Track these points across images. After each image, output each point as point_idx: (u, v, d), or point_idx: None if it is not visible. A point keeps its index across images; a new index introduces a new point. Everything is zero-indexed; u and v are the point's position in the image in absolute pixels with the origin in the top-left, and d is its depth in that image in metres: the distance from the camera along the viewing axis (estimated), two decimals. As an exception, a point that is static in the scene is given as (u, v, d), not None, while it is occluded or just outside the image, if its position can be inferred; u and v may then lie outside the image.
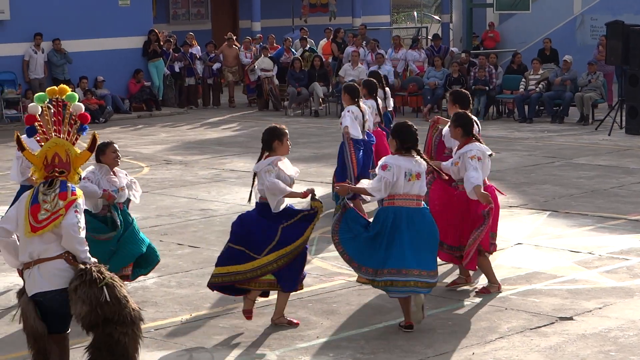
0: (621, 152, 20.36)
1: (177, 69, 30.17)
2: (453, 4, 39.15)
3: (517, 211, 15.22)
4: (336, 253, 12.57)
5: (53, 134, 7.96)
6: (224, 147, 22.35)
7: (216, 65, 30.63)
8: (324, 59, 29.62)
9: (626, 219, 14.43)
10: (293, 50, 30.59)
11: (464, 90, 12.80)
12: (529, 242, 13.27)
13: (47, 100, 8.04)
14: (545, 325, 9.87)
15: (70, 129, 7.98)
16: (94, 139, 8.10)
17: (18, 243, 7.93)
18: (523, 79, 26.26)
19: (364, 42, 30.27)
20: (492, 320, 10.09)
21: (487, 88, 26.34)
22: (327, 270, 12.06)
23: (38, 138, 7.98)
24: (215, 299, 11.00)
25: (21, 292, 7.92)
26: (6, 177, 18.79)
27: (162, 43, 30.02)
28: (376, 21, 39.95)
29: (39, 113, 8.00)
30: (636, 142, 21.47)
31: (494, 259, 12.31)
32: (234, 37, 31.79)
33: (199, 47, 30.98)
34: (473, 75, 26.83)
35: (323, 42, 31.57)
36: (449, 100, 12.28)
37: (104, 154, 10.46)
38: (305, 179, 18.18)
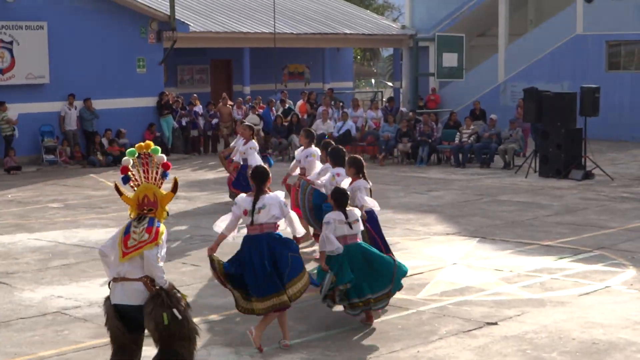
0: (535, 191, 20.42)
1: (183, 123, 30.18)
2: (403, 73, 39.35)
3: (452, 237, 15.23)
4: (310, 269, 12.60)
5: (143, 180, 8.15)
6: (220, 185, 22.29)
7: (214, 121, 30.67)
8: (300, 116, 29.69)
9: (539, 244, 14.46)
10: (274, 109, 30.66)
11: (341, 148, 12.68)
12: (462, 263, 13.28)
13: (137, 154, 8.20)
14: (475, 329, 9.87)
15: (156, 175, 8.16)
16: (175, 183, 8.27)
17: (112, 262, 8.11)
18: (458, 133, 26.39)
19: (332, 102, 30.36)
20: (433, 324, 10.08)
21: (429, 140, 26.44)
22: (302, 284, 12.02)
23: (131, 184, 8.17)
24: (211, 307, 10.94)
25: (107, 299, 8.06)
26: (44, 209, 18.74)
27: (171, 102, 30.04)
28: (342, 86, 40.11)
29: (131, 164, 8.17)
30: (547, 183, 21.56)
31: (435, 276, 12.33)
32: (228, 98, 31.85)
33: (200, 106, 31.02)
34: (418, 129, 26.93)
35: (299, 102, 31.64)
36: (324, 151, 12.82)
37: None
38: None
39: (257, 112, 29.82)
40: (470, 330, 9.81)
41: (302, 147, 14.78)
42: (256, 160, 16.49)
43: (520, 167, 23.76)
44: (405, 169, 25.34)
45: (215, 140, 30.98)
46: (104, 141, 27.38)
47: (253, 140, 17.35)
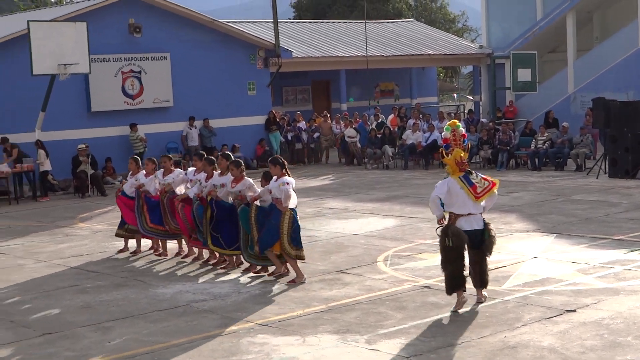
0: (606, 191, 19.99)
1: (289, 137, 30.38)
2: (482, 88, 38.98)
3: (532, 234, 15.00)
4: (405, 265, 12.57)
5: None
6: (323, 192, 22.39)
7: (316, 135, 30.78)
8: (391, 128, 29.60)
9: (612, 239, 14.14)
10: (369, 122, 30.65)
11: (278, 157, 12.51)
12: (542, 256, 13.06)
13: (450, 129, 10.32)
14: (556, 316, 9.69)
15: (460, 142, 10.34)
16: None
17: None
18: (533, 140, 26.00)
19: (420, 115, 30.21)
20: (517, 312, 9.93)
21: (508, 147, 26.10)
22: (399, 278, 11.98)
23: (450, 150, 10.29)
24: (320, 299, 10.98)
25: (447, 227, 10.10)
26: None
27: (278, 119, 30.26)
28: (427, 101, 39.94)
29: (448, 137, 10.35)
30: (617, 183, 21.09)
31: (517, 269, 12.16)
32: (328, 115, 31.96)
33: (304, 122, 31.17)
34: (498, 137, 26.60)
35: (391, 116, 31.56)
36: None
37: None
38: (381, 213, 18.15)
39: (353, 126, 29.89)
40: (551, 317, 9.63)
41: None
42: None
43: (591, 169, 23.29)
44: (486, 173, 24.89)
45: (317, 152, 31.10)
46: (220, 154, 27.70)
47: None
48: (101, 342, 9.45)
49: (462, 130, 10.40)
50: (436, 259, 11.73)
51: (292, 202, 11.93)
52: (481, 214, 10.23)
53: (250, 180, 12.57)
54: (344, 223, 17.07)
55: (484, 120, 31.39)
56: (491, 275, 11.50)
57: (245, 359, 8.63)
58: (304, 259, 12.13)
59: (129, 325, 10.08)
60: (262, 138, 29.54)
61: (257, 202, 12.29)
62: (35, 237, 17.15)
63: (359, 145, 29.54)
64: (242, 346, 9.06)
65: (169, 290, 11.88)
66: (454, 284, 10.10)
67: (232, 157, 13.22)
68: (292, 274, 12.12)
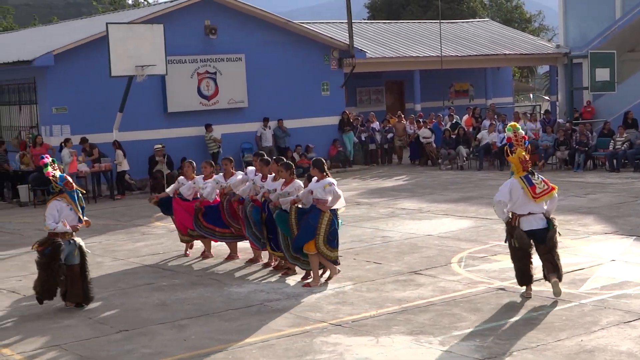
0: (687, 193, 19.57)
1: (363, 138, 30.36)
2: (558, 88, 38.43)
3: (610, 236, 14.74)
4: (479, 266, 12.47)
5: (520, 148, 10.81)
6: (396, 192, 22.33)
7: (390, 135, 30.71)
8: (465, 129, 29.38)
9: (693, 242, 13.84)
10: (443, 123, 30.46)
11: (320, 158, 12.32)
12: (620, 259, 12.82)
13: (511, 130, 10.94)
14: (634, 320, 9.50)
15: (523, 141, 10.87)
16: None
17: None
18: (612, 141, 25.54)
19: (495, 116, 29.92)
20: (595, 316, 9.77)
21: (585, 148, 25.69)
22: (473, 279, 11.88)
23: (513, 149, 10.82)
24: (393, 300, 10.96)
25: (511, 228, 10.64)
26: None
27: (352, 120, 30.27)
28: (502, 101, 39.52)
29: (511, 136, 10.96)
30: (698, 185, 20.63)
31: (594, 272, 11.96)
32: (402, 115, 31.87)
33: (377, 123, 31.11)
34: (575, 138, 26.21)
35: (465, 117, 31.31)
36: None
37: None
38: (455, 214, 18.03)
39: (428, 127, 29.76)
40: (630, 322, 9.45)
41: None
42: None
43: (672, 171, 22.80)
44: (563, 175, 24.68)
45: (391, 153, 31.03)
46: (295, 155, 27.83)
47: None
48: (177, 339, 9.57)
49: (522, 132, 10.96)
50: (509, 261, 11.63)
51: (340, 202, 11.93)
52: (543, 214, 10.67)
53: (300, 182, 12.52)
54: (417, 224, 17.00)
55: (560, 120, 30.94)
56: (568, 277, 11.37)
57: (318, 359, 8.65)
58: (338, 263, 12.13)
59: (204, 324, 10.19)
60: (336, 139, 29.57)
61: (299, 205, 12.23)
62: (113, 235, 17.46)
63: (434, 145, 29.38)
64: (315, 346, 9.09)
65: (243, 290, 11.97)
66: (522, 280, 10.78)
67: (285, 160, 13.07)
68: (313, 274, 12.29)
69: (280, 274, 12.83)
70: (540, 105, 45.37)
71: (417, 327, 9.65)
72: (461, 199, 20.31)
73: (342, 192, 11.98)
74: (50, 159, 11.33)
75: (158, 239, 16.73)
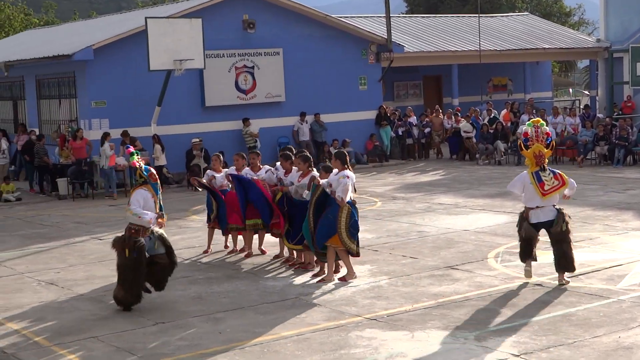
0: None
1: (400, 133, 30.27)
2: (598, 82, 38.03)
3: (650, 232, 14.59)
4: (516, 262, 12.39)
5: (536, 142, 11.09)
6: (433, 187, 22.26)
7: (427, 130, 30.61)
8: (504, 124, 29.19)
9: None
10: (481, 118, 30.28)
11: (342, 151, 12.29)
12: (659, 255, 12.70)
13: (532, 125, 11.15)
14: (674, 317, 9.41)
15: (543, 138, 11.11)
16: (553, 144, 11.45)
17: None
18: (652, 136, 25.28)
19: (534, 110, 29.68)
20: (633, 312, 9.67)
21: (626, 143, 25.42)
22: (509, 275, 11.82)
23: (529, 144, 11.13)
24: (429, 295, 10.92)
25: (522, 220, 11.18)
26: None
27: (389, 114, 30.21)
28: (541, 96, 39.20)
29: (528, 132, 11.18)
30: None
31: (633, 268, 11.83)
32: (440, 110, 31.74)
33: (415, 117, 31.02)
34: (615, 133, 25.94)
35: (503, 111, 31.09)
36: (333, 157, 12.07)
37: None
38: (492, 209, 17.92)
39: (469, 121, 29.64)
40: (669, 318, 9.36)
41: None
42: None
43: None
44: (602, 170, 24.44)
45: (428, 147, 30.93)
46: (332, 150, 27.82)
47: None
48: (212, 332, 9.62)
49: (547, 129, 11.24)
50: (548, 256, 11.55)
51: (349, 195, 11.81)
52: (554, 205, 11.10)
53: (316, 173, 12.44)
54: (454, 218, 16.93)
55: (600, 115, 30.63)
56: (606, 274, 11.28)
57: (353, 353, 8.65)
58: (358, 255, 12.05)
59: (239, 317, 10.23)
60: (373, 133, 29.52)
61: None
62: (150, 228, 17.54)
63: (474, 140, 29.24)
64: (350, 340, 9.09)
65: (279, 283, 12.00)
66: (523, 257, 11.39)
67: (306, 154, 12.97)
68: (339, 270, 12.21)
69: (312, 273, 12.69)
70: (579, 100, 44.96)
71: (452, 322, 9.61)
72: (498, 194, 20.18)
73: (352, 185, 11.81)
74: (134, 150, 11.44)
75: (194, 232, 16.81)
